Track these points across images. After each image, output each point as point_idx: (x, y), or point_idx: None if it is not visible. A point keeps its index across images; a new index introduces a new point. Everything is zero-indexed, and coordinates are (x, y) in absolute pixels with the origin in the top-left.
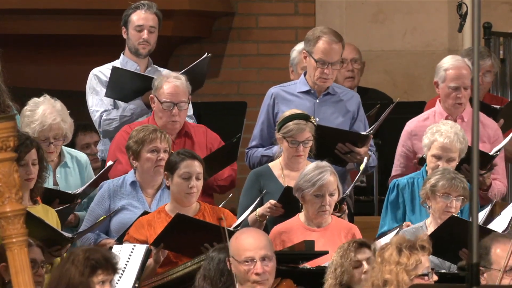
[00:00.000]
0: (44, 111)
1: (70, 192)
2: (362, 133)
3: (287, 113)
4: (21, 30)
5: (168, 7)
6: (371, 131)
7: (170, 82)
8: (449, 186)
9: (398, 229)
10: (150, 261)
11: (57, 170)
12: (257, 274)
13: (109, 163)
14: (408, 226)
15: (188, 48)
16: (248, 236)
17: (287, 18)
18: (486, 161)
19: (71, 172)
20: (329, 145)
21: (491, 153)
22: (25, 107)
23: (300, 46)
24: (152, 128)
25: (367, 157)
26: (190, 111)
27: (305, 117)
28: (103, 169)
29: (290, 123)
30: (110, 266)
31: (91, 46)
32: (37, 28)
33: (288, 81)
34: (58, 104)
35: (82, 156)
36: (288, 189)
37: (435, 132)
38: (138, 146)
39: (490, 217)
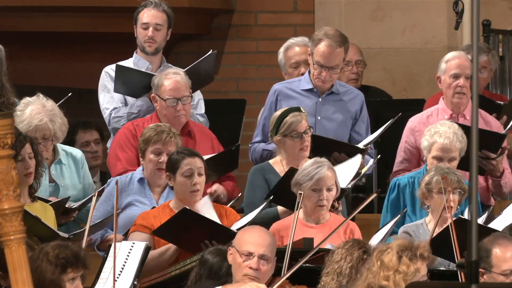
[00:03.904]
0: (31, 112)
1: (67, 206)
2: (359, 146)
3: (278, 113)
4: (21, 28)
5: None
6: (369, 145)
7: (170, 78)
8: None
9: (395, 220)
10: (170, 245)
11: (51, 167)
12: (251, 268)
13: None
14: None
15: (187, 45)
16: (255, 232)
17: (286, 16)
18: (497, 142)
19: (66, 168)
20: (325, 153)
21: (502, 132)
22: (17, 106)
23: (283, 48)
24: (160, 130)
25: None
26: (202, 110)
27: (297, 110)
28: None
29: (287, 118)
30: (80, 263)
31: (91, 44)
32: (36, 25)
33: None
34: (49, 104)
35: (77, 153)
36: (291, 170)
37: (434, 134)
38: (145, 145)
39: (491, 217)
